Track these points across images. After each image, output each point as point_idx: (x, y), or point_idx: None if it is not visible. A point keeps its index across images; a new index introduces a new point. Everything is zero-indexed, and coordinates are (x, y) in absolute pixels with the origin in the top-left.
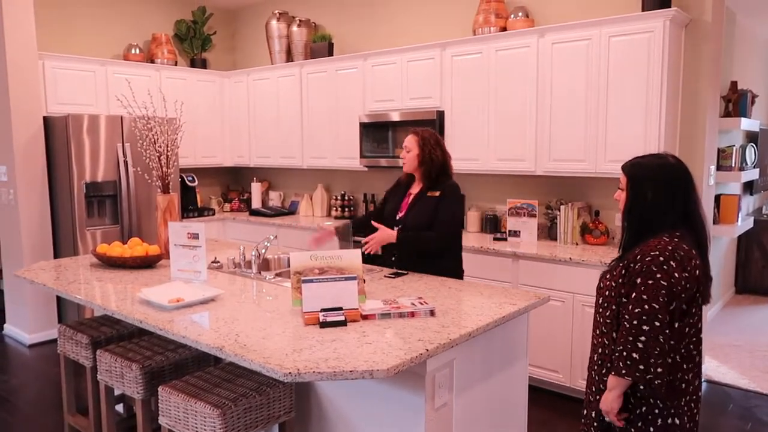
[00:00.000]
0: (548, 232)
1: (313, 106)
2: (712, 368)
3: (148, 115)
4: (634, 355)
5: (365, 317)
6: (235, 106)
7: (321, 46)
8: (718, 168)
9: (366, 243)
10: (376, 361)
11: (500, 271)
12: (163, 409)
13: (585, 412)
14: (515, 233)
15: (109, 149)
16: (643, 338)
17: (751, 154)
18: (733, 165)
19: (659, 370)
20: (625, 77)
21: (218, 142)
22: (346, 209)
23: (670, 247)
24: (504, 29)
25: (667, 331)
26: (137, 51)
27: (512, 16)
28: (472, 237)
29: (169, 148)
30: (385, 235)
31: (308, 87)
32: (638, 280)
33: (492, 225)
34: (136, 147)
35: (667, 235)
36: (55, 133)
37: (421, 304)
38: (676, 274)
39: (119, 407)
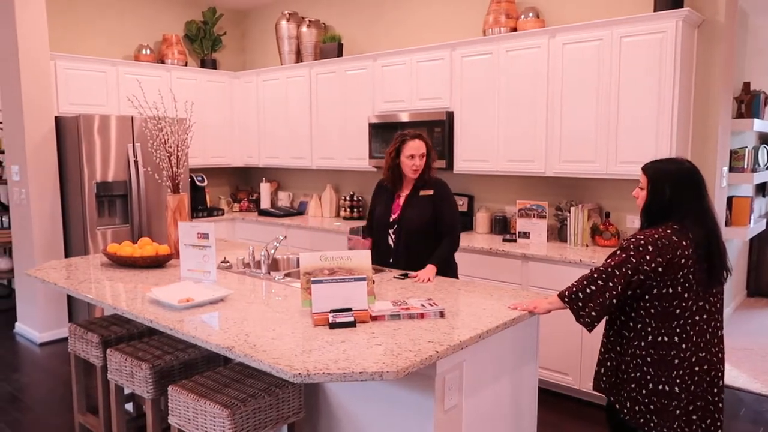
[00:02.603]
0: (558, 233)
1: (322, 106)
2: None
3: (158, 115)
4: (580, 294)
5: (374, 318)
6: (244, 107)
7: (330, 47)
8: (731, 169)
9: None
10: (385, 363)
11: (510, 272)
12: (173, 408)
13: (596, 369)
14: (525, 235)
15: (120, 149)
16: (593, 287)
17: (763, 155)
18: (745, 166)
19: (593, 313)
20: (637, 78)
21: (228, 142)
22: (355, 210)
23: (656, 235)
24: (514, 30)
25: (614, 293)
26: (148, 52)
27: (523, 16)
28: (481, 238)
29: (179, 149)
30: (429, 272)
31: (317, 87)
32: (617, 251)
33: (501, 226)
34: (146, 147)
35: (663, 227)
36: (67, 133)
37: (431, 305)
38: (648, 257)
39: (129, 406)
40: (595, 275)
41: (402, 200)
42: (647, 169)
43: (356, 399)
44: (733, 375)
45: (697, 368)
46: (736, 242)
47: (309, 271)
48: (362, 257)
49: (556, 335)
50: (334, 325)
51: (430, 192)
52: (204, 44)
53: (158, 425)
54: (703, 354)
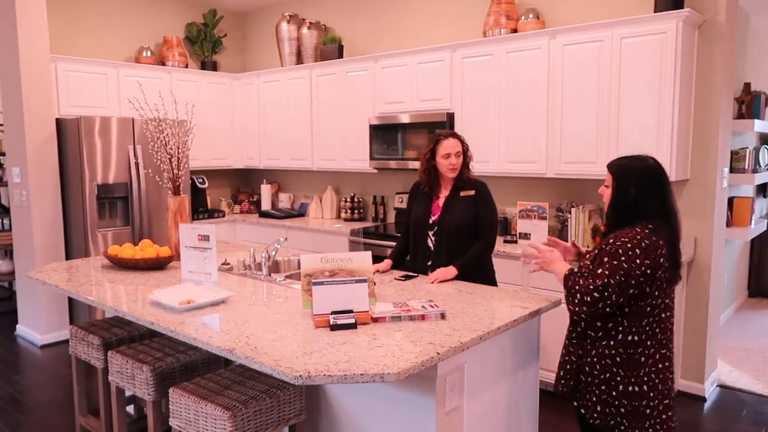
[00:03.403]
0: (559, 234)
1: (323, 108)
2: (725, 373)
3: (159, 117)
4: (580, 297)
5: (375, 320)
6: (245, 108)
7: (331, 49)
8: (731, 170)
9: (432, 280)
10: (386, 365)
11: (510, 273)
12: (174, 410)
13: (560, 371)
14: (526, 236)
15: (121, 151)
16: (588, 298)
17: (764, 156)
18: (746, 167)
19: (583, 315)
20: (638, 79)
21: (228, 144)
22: (356, 211)
23: (638, 237)
24: (515, 31)
25: (609, 302)
26: (148, 53)
27: (523, 17)
28: None
29: (180, 150)
30: (447, 272)
31: (318, 89)
32: (605, 258)
33: (502, 227)
34: (147, 149)
35: (640, 227)
36: (68, 135)
37: (432, 307)
38: (638, 261)
39: (130, 408)
40: (591, 287)
41: (442, 201)
42: (612, 166)
43: (357, 401)
44: (735, 376)
45: (660, 365)
46: (737, 243)
47: (310, 273)
48: (363, 259)
49: (558, 336)
50: (335, 327)
51: (472, 192)
52: (204, 46)
53: (159, 427)
54: (664, 351)
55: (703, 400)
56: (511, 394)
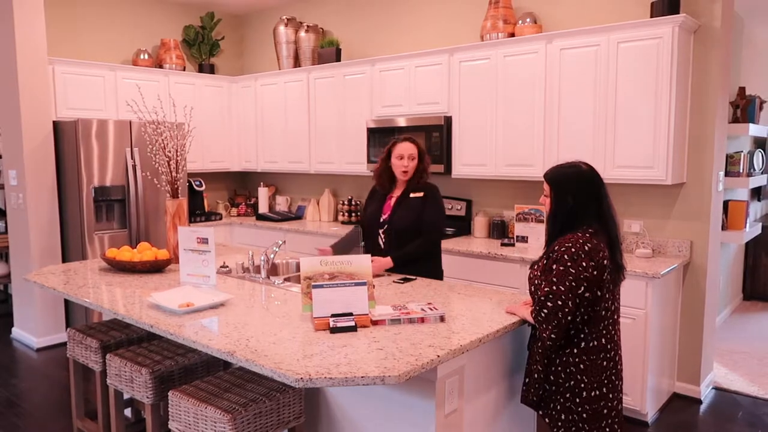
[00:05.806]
0: None
1: (320, 111)
2: (721, 375)
3: (158, 120)
4: (539, 317)
5: (375, 323)
6: (242, 111)
7: (329, 52)
8: (727, 174)
9: None
10: (387, 367)
11: (508, 276)
12: (173, 414)
13: (527, 380)
14: (523, 239)
15: (118, 154)
16: (545, 311)
17: (759, 159)
18: (741, 171)
19: (552, 335)
20: (634, 83)
21: (226, 146)
22: (353, 214)
23: (581, 241)
24: (512, 35)
25: (566, 310)
26: (146, 56)
27: (520, 22)
28: (479, 242)
29: (178, 153)
30: (382, 263)
31: (316, 92)
32: (553, 266)
33: (499, 230)
34: (144, 151)
35: (581, 231)
36: (65, 137)
37: (431, 309)
38: (584, 264)
39: (128, 412)
40: (543, 297)
41: (393, 201)
42: (548, 176)
43: (357, 403)
44: (730, 378)
45: (619, 366)
46: (732, 246)
47: (309, 276)
48: (362, 262)
49: None
50: (335, 330)
51: (421, 194)
52: (202, 49)
53: (158, 430)
54: (620, 350)
55: (699, 402)
56: (511, 397)
